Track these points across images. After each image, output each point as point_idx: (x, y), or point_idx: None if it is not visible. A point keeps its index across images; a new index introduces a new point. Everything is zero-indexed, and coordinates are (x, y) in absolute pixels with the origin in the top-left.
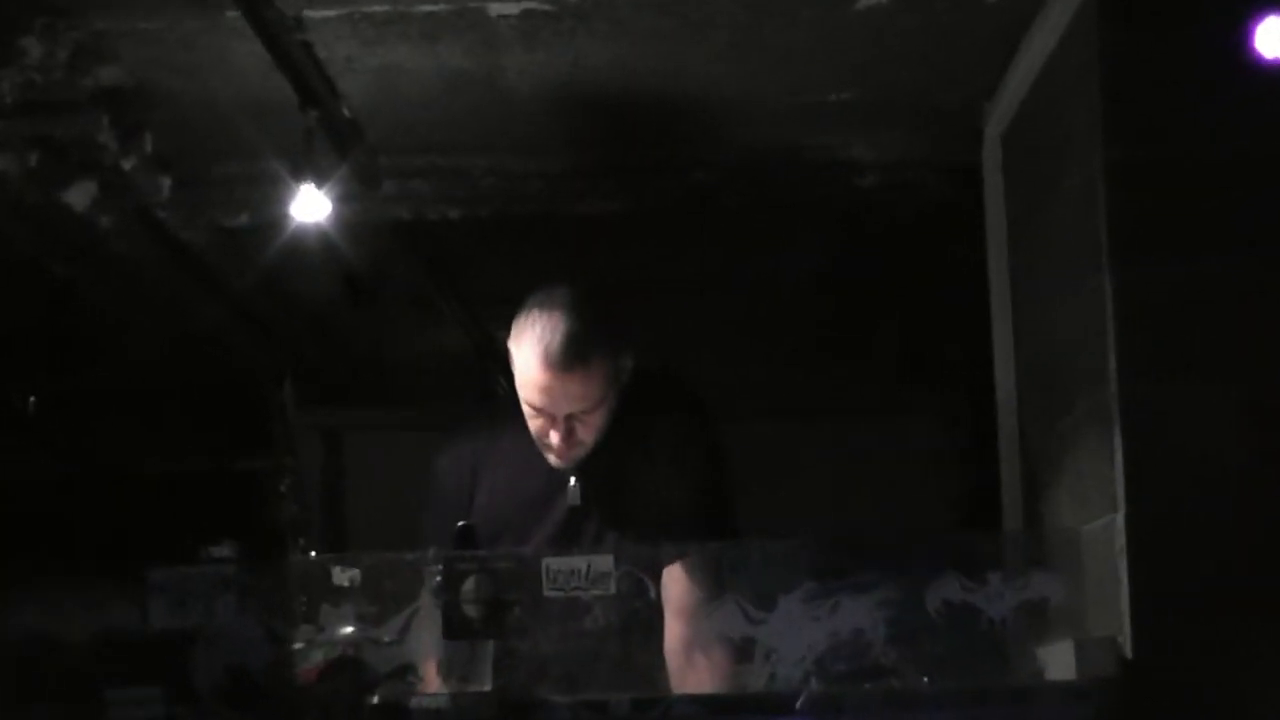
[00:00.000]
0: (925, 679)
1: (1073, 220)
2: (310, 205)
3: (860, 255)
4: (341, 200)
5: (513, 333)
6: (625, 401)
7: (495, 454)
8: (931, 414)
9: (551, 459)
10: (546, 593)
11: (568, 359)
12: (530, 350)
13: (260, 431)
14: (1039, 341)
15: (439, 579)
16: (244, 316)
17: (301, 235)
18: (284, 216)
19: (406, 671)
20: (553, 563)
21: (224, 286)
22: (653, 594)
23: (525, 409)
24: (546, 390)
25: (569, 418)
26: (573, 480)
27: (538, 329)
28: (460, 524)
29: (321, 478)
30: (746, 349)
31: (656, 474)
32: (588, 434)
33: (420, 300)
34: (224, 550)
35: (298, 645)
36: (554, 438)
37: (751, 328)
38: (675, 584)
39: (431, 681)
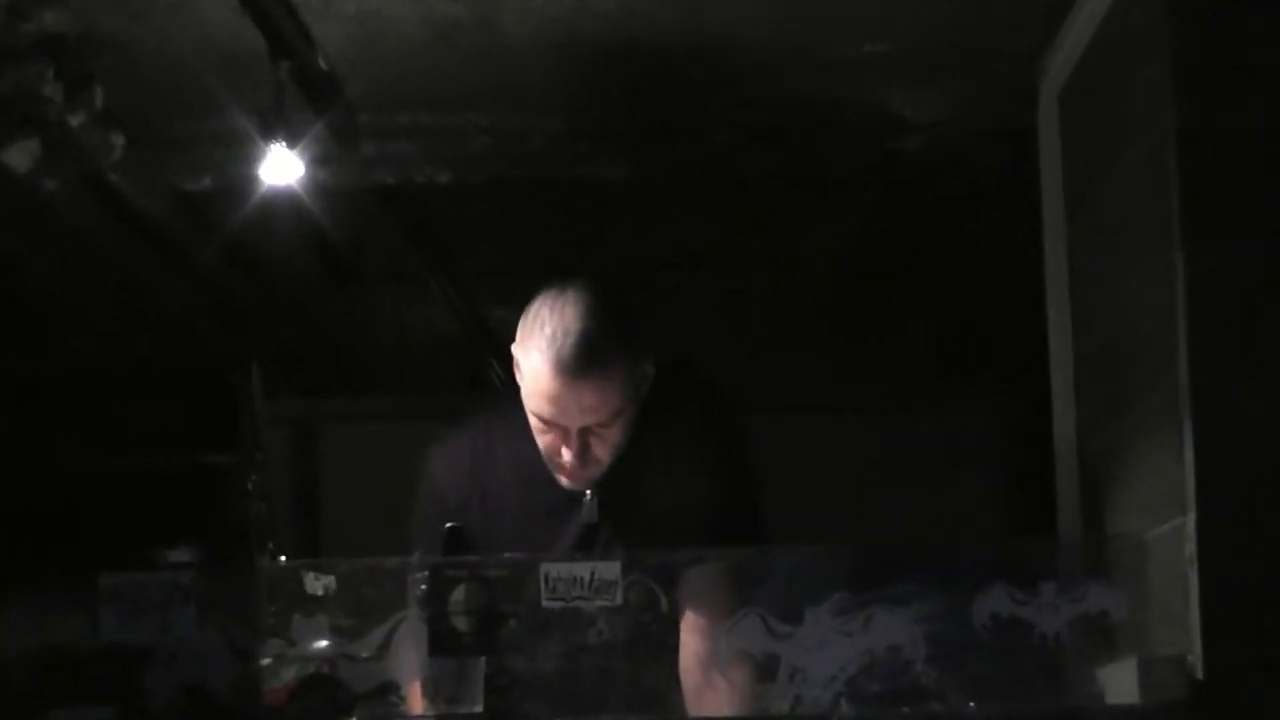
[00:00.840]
0: (971, 704)
1: (1140, 192)
2: (281, 168)
3: (899, 230)
4: (317, 163)
5: (519, 334)
6: (644, 403)
7: (499, 458)
8: (978, 408)
9: (562, 480)
10: (545, 603)
11: (583, 365)
12: (539, 355)
13: (224, 423)
14: (1100, 328)
15: (425, 588)
16: (207, 294)
17: (272, 202)
18: (252, 181)
19: (387, 691)
20: (552, 569)
21: (184, 260)
22: (664, 605)
23: (533, 422)
24: (558, 401)
25: (583, 432)
26: (588, 494)
27: (547, 330)
28: (449, 525)
29: (293, 474)
30: (770, 335)
31: (681, 485)
32: (604, 450)
33: (405, 276)
34: (182, 554)
35: (265, 661)
36: (566, 455)
37: (775, 311)
38: (690, 595)
39: (416, 703)
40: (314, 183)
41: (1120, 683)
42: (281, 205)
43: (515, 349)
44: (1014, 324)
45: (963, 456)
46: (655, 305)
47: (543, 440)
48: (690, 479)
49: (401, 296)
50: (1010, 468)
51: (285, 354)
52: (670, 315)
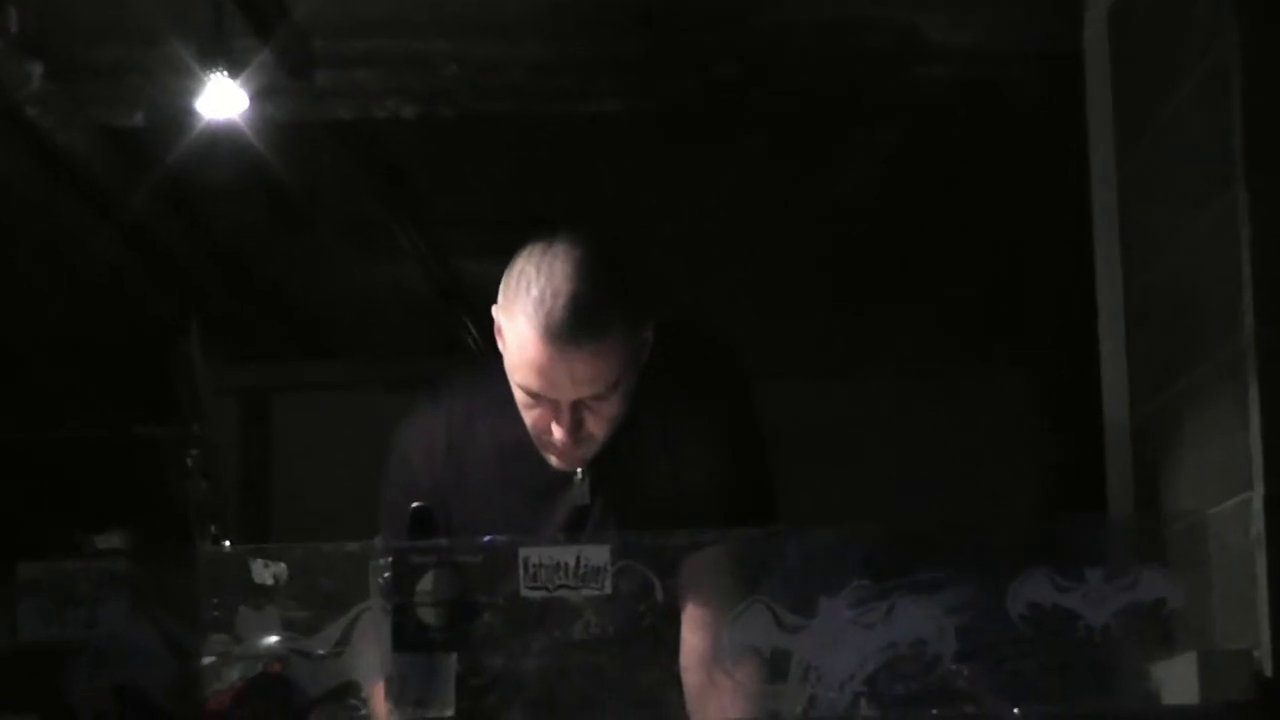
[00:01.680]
0: (1011, 709)
1: (1200, 122)
2: (223, 101)
3: (928, 169)
4: (263, 95)
5: (501, 295)
6: (642, 371)
7: (478, 433)
8: (1017, 370)
9: (552, 460)
10: (525, 592)
11: (576, 332)
12: (525, 320)
13: (161, 391)
14: (1154, 277)
15: (388, 576)
16: (139, 245)
17: (212, 140)
18: (189, 115)
19: (346, 693)
20: (533, 554)
21: (113, 205)
22: (660, 595)
23: (518, 395)
24: (547, 372)
25: (576, 406)
26: (579, 473)
27: (534, 292)
28: (414, 505)
29: (240, 449)
30: (782, 292)
31: (684, 463)
32: (599, 426)
33: (367, 225)
34: (113, 539)
35: (207, 660)
36: (556, 432)
37: (788, 265)
38: (690, 583)
39: (378, 706)
40: (260, 118)
41: (1178, 680)
42: (223, 143)
43: (497, 312)
44: (1057, 275)
45: (998, 425)
46: (655, 260)
47: (529, 415)
48: (695, 456)
49: (363, 248)
50: (1052, 437)
51: (230, 314)
52: (672, 271)
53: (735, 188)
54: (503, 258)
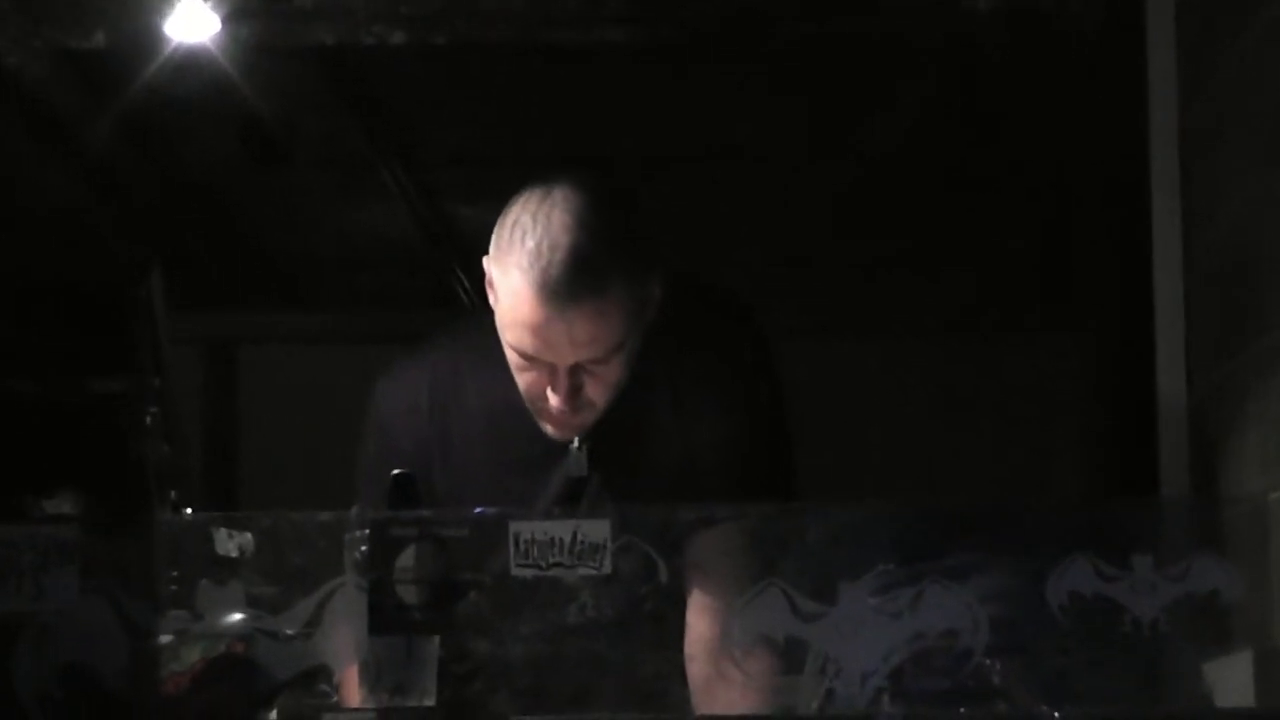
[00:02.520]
0: (1053, 713)
1: (1272, 67)
2: (192, 22)
3: (970, 114)
4: (236, 16)
5: (493, 246)
6: (648, 330)
7: (466, 394)
8: (1063, 336)
9: (547, 428)
10: (515, 570)
11: (575, 289)
12: (519, 275)
13: (117, 341)
14: (1219, 238)
15: (365, 549)
16: (97, 179)
17: (180, 65)
18: (156, 38)
19: (316, 677)
20: (524, 529)
21: (70, 136)
22: (664, 575)
23: (511, 356)
24: (543, 332)
25: (574, 370)
26: (576, 442)
27: (530, 244)
28: (396, 472)
29: (204, 406)
30: (807, 244)
31: (693, 431)
32: (599, 391)
33: (348, 162)
34: (62, 505)
35: (165, 639)
36: (552, 399)
37: (816, 213)
38: (698, 564)
39: (352, 692)
40: (233, 41)
41: (1232, 680)
42: (192, 69)
43: (489, 264)
44: (1110, 234)
45: (1041, 396)
46: (665, 208)
47: (523, 378)
48: (706, 424)
49: (344, 188)
50: (1101, 411)
51: (196, 257)
52: (684, 220)
53: (755, 128)
54: (497, 201)
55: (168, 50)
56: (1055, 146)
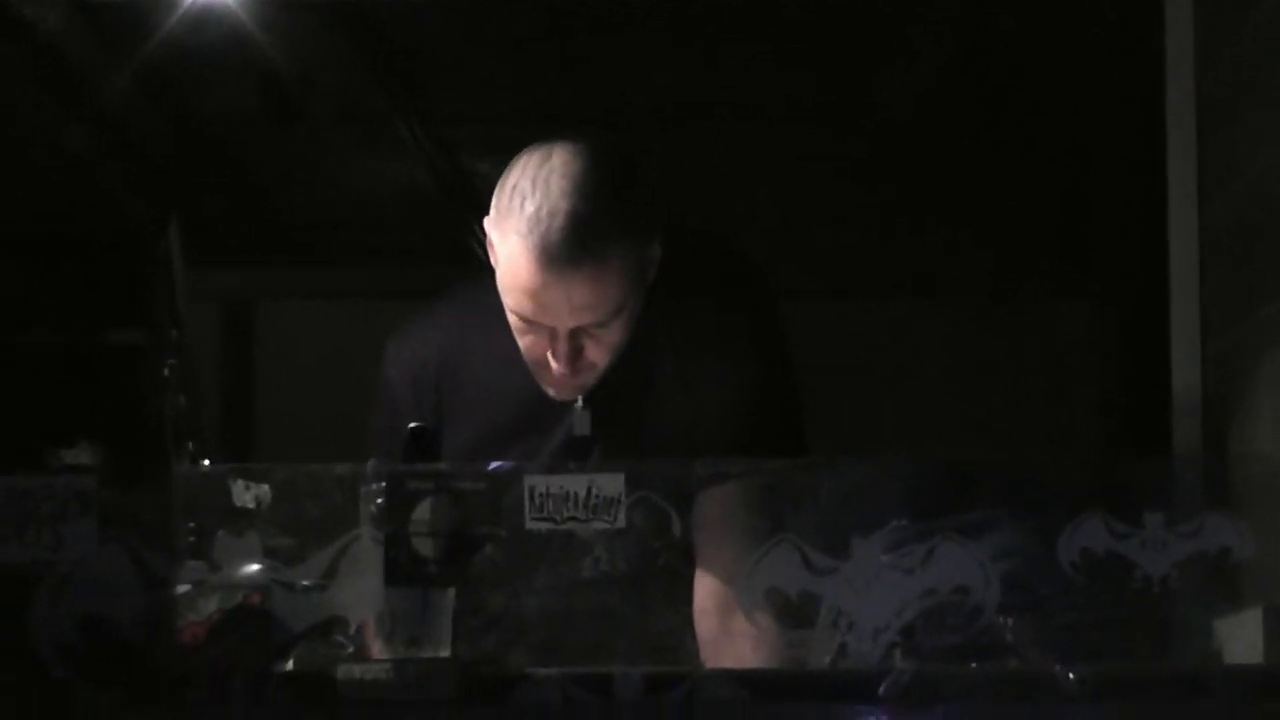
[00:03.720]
0: (1062, 668)
1: None
2: None
3: (983, 73)
4: None
5: (492, 208)
6: (650, 289)
7: (473, 353)
8: (1076, 294)
9: (548, 389)
10: (530, 524)
11: (575, 254)
12: (518, 241)
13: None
14: (1235, 196)
15: (381, 502)
16: (115, 132)
17: (197, 17)
18: None
19: (332, 628)
20: (539, 483)
21: (85, 90)
22: (677, 529)
23: (512, 319)
24: (542, 297)
25: (575, 334)
26: (579, 402)
27: (528, 208)
28: (413, 426)
29: (221, 360)
30: (821, 202)
31: (698, 392)
32: (601, 354)
33: (365, 116)
34: (81, 455)
35: (182, 589)
36: (553, 362)
37: (828, 171)
38: (710, 519)
39: (368, 643)
40: None
41: (1242, 638)
42: (210, 23)
43: (489, 226)
44: (1125, 192)
45: (1055, 355)
46: (675, 162)
47: (524, 342)
48: (708, 382)
49: (361, 142)
50: (1115, 370)
51: (213, 211)
52: (693, 176)
53: (769, 83)
54: (514, 156)
55: (185, 3)
56: (1072, 112)
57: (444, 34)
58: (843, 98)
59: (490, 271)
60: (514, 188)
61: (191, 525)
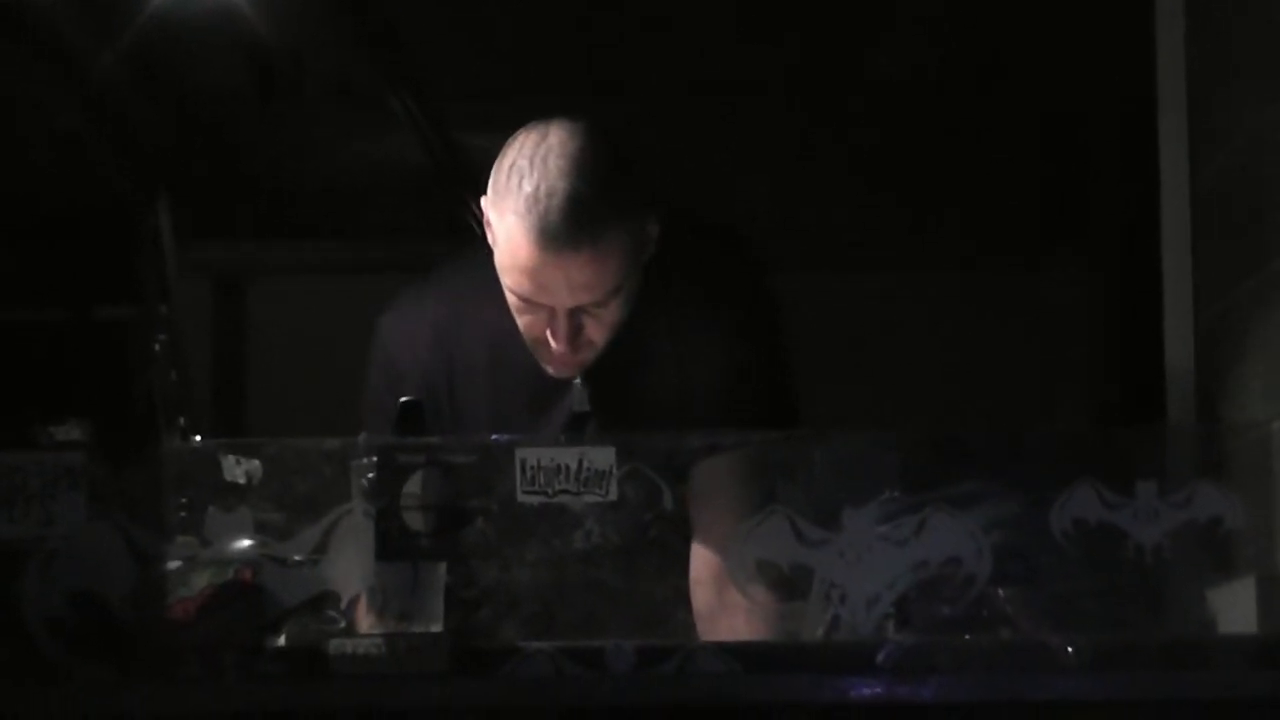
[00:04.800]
0: (1057, 640)
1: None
2: None
3: (978, 43)
4: None
5: (490, 187)
6: (647, 266)
7: (468, 329)
8: (1067, 263)
9: (547, 367)
10: (522, 497)
11: (573, 234)
12: (516, 221)
13: (125, 270)
14: (1226, 164)
15: (372, 476)
16: (105, 109)
17: None
18: None
19: (323, 603)
20: (531, 455)
21: (76, 64)
22: (669, 502)
23: (510, 299)
24: (540, 277)
25: (574, 313)
26: (577, 380)
27: (526, 188)
28: (403, 400)
29: (212, 335)
30: (812, 173)
31: (694, 367)
32: (599, 332)
33: (358, 91)
34: (71, 431)
35: (172, 565)
36: (552, 341)
37: (819, 143)
38: (703, 491)
39: (359, 618)
40: None
41: (1235, 607)
42: None
43: (486, 206)
44: (1117, 162)
45: (1046, 324)
46: (672, 140)
47: (523, 321)
48: (706, 359)
49: (353, 117)
50: (1106, 339)
51: (203, 186)
52: (687, 150)
53: (763, 55)
54: (509, 132)
55: None
56: (1062, 75)
57: (437, 8)
58: (834, 68)
59: (484, 248)
60: (511, 167)
61: (182, 501)
